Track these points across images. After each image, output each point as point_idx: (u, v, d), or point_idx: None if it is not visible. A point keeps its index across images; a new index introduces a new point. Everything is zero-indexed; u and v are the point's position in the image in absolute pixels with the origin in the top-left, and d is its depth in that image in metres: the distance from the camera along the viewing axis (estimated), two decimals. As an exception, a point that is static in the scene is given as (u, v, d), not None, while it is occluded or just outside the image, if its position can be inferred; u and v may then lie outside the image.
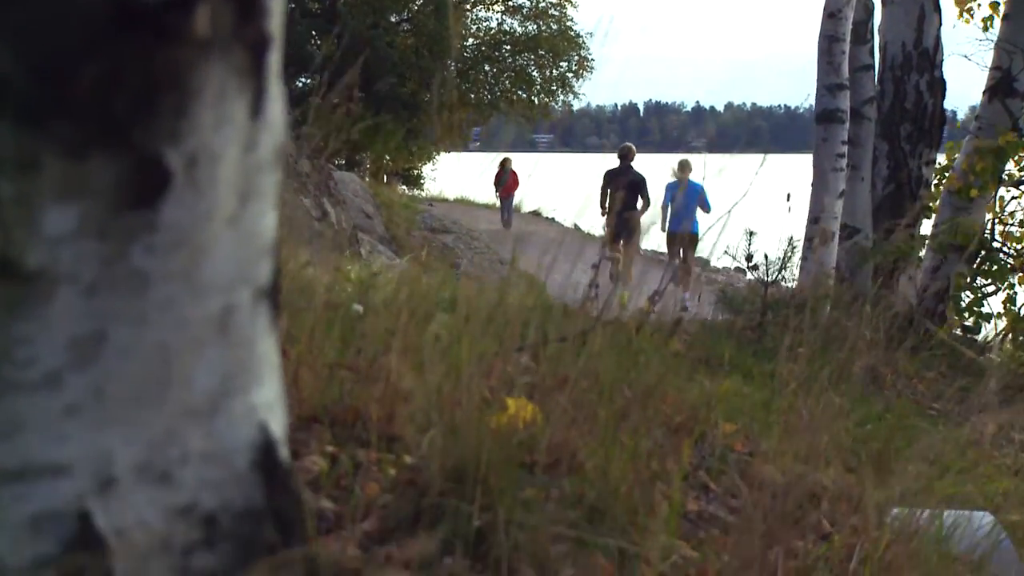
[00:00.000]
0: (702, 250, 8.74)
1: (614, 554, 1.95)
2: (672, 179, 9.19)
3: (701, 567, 1.95)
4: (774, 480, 2.22)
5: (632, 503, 2.07)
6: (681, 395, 2.63)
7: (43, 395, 0.85)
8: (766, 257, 4.80)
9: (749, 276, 5.14)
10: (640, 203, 9.47)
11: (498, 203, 19.60)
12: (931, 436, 2.91)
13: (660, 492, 2.20)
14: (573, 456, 2.16)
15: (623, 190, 6.92)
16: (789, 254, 4.87)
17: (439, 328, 2.19)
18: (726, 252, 4.45)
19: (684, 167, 8.70)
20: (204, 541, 0.91)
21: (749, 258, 4.76)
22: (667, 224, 8.93)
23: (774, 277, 4.70)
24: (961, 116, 7.58)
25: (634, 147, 9.94)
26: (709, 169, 2.81)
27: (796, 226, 5.92)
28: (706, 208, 8.88)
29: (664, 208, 9.11)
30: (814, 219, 5.90)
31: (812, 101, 5.78)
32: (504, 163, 18.39)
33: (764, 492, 2.15)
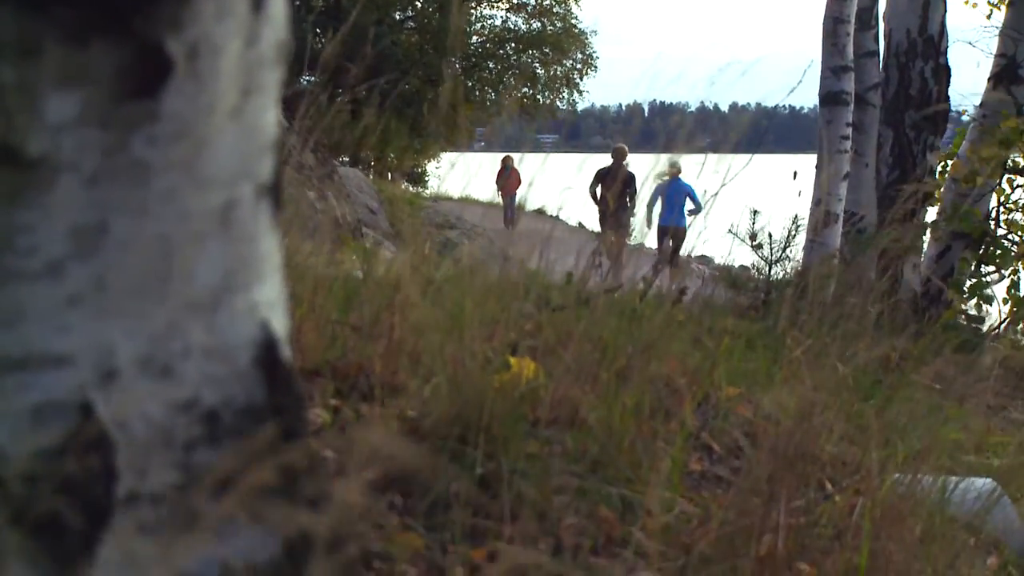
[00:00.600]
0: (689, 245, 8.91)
1: (617, 505, 1.95)
2: (662, 178, 9.49)
3: (703, 520, 1.95)
4: (777, 441, 2.22)
5: (635, 457, 2.07)
6: (684, 359, 2.63)
7: (45, 284, 0.86)
8: (770, 236, 4.80)
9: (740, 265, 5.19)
10: (632, 200, 9.66)
11: (500, 201, 19.58)
12: (932, 405, 2.91)
13: (662, 450, 2.20)
14: (576, 412, 2.16)
15: (616, 185, 7.09)
16: (793, 233, 4.87)
17: (442, 279, 2.19)
18: (729, 231, 4.46)
19: (673, 168, 8.96)
20: (206, 437, 0.92)
21: (753, 237, 4.76)
22: (658, 219, 9.38)
23: (778, 256, 4.70)
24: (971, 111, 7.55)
25: (626, 147, 10.35)
26: (711, 168, 2.84)
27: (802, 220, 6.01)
28: (696, 205, 9.15)
29: (650, 205, 9.55)
30: (818, 201, 5.90)
31: (788, 100, 5.82)
32: (505, 161, 18.35)
33: (766, 452, 2.15)
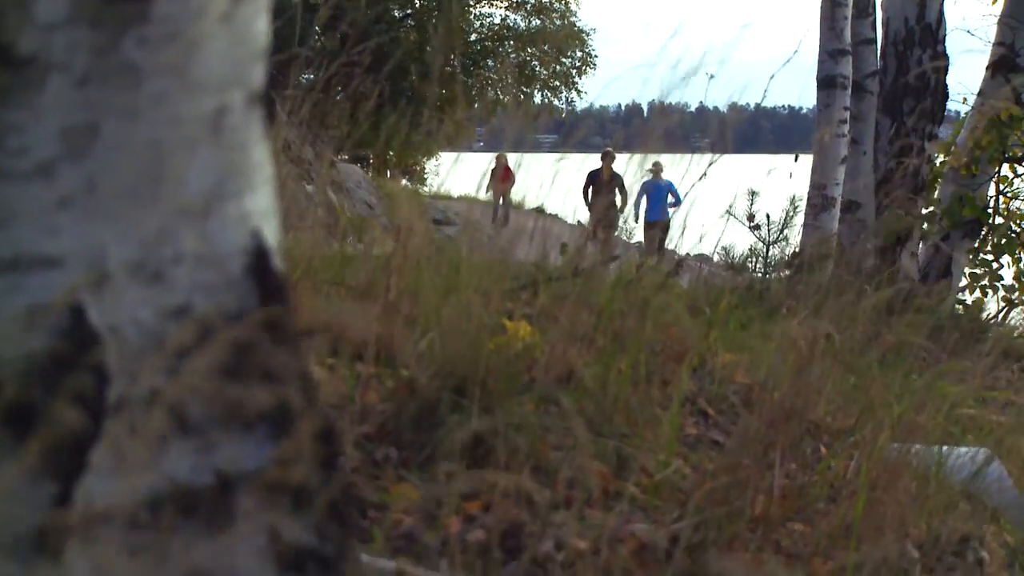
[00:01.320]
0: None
1: (612, 461, 1.95)
2: (647, 178, 10.38)
3: (698, 477, 1.95)
4: (770, 402, 2.22)
5: (631, 416, 2.08)
6: (681, 327, 2.63)
7: (36, 185, 0.86)
8: (768, 217, 4.81)
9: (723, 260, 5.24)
10: (619, 198, 10.23)
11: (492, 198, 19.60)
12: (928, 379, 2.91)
13: (659, 412, 2.20)
14: (571, 373, 2.16)
15: (606, 187, 7.46)
16: (791, 215, 4.87)
17: (439, 242, 2.19)
18: (728, 212, 4.46)
19: (657, 167, 9.80)
20: (197, 344, 0.92)
21: (751, 218, 4.76)
22: (644, 215, 10.35)
23: (775, 237, 4.71)
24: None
25: (614, 151, 11.34)
26: (714, 167, 2.89)
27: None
28: (677, 200, 9.80)
29: (636, 203, 10.48)
30: (815, 185, 5.90)
31: (788, 101, 5.84)
32: (498, 159, 18.37)
33: (759, 413, 2.15)
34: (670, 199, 10.62)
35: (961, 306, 7.18)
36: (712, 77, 2.87)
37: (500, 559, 1.59)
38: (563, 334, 2.17)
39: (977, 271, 6.87)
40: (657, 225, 9.29)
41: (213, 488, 0.93)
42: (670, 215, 9.73)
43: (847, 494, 2.15)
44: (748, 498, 1.86)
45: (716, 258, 5.13)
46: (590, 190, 10.64)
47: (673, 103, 2.88)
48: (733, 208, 4.66)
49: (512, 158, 3.10)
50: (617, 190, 6.62)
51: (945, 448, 2.52)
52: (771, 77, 3.22)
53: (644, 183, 10.54)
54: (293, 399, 0.94)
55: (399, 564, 1.50)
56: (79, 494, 0.89)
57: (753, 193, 4.83)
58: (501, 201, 19.65)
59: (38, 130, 0.85)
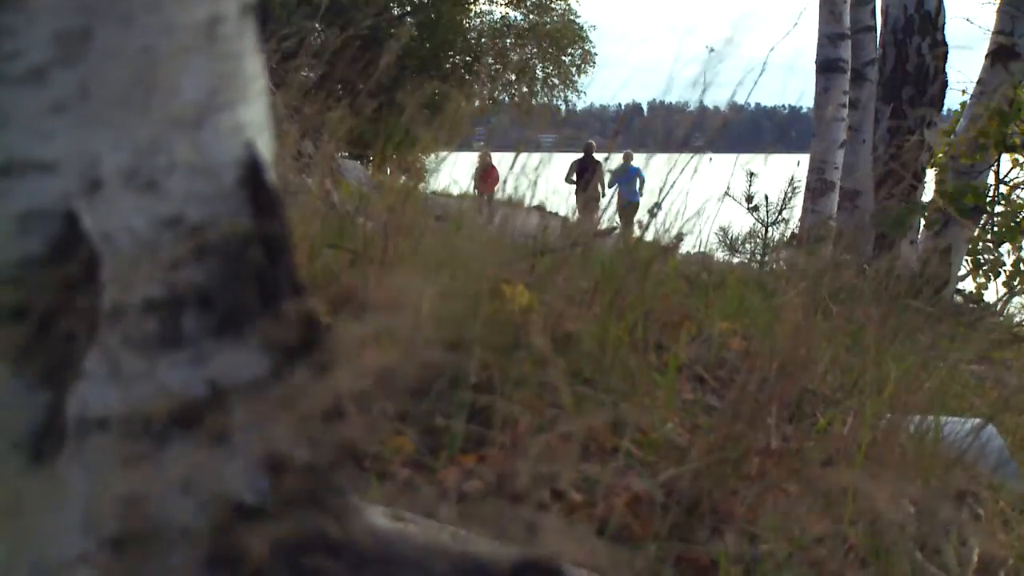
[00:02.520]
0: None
1: (608, 420, 1.95)
2: (618, 166, 11.43)
3: (694, 436, 1.95)
4: (767, 366, 2.22)
5: (628, 376, 2.08)
6: (678, 298, 2.64)
7: (29, 90, 0.86)
8: (766, 199, 4.81)
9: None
10: (601, 185, 11.54)
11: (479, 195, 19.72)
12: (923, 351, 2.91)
13: (656, 376, 2.20)
14: (569, 337, 2.16)
15: (588, 174, 8.32)
16: (790, 196, 4.87)
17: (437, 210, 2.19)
18: (726, 193, 4.46)
19: (627, 157, 10.64)
20: (191, 254, 0.92)
21: (749, 199, 4.76)
22: (619, 198, 11.50)
23: (774, 219, 4.72)
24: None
25: (594, 143, 12.78)
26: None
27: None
28: (642, 181, 10.42)
29: (610, 186, 11.58)
30: (814, 169, 5.90)
31: (788, 101, 5.87)
32: (483, 158, 18.47)
33: (756, 377, 2.15)
34: (638, 183, 11.56)
35: (960, 296, 7.19)
36: (712, 50, 2.87)
37: (497, 508, 1.59)
38: (561, 297, 2.17)
39: (981, 258, 6.87)
40: (629, 205, 9.86)
41: (207, 399, 0.93)
42: (638, 197, 10.36)
43: (844, 457, 2.15)
44: (744, 455, 1.86)
45: (715, 238, 5.16)
46: (574, 175, 12.21)
47: (673, 103, 2.91)
48: (731, 190, 4.67)
49: (505, 157, 3.13)
50: (597, 175, 7.34)
51: (943, 420, 2.53)
52: (771, 49, 3.20)
53: (615, 170, 11.59)
54: (286, 311, 0.95)
55: (395, 511, 1.50)
56: (72, 403, 0.89)
57: (751, 175, 4.84)
58: (487, 199, 19.84)
59: (31, 33, 0.85)
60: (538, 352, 2.05)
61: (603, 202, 5.86)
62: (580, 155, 13.47)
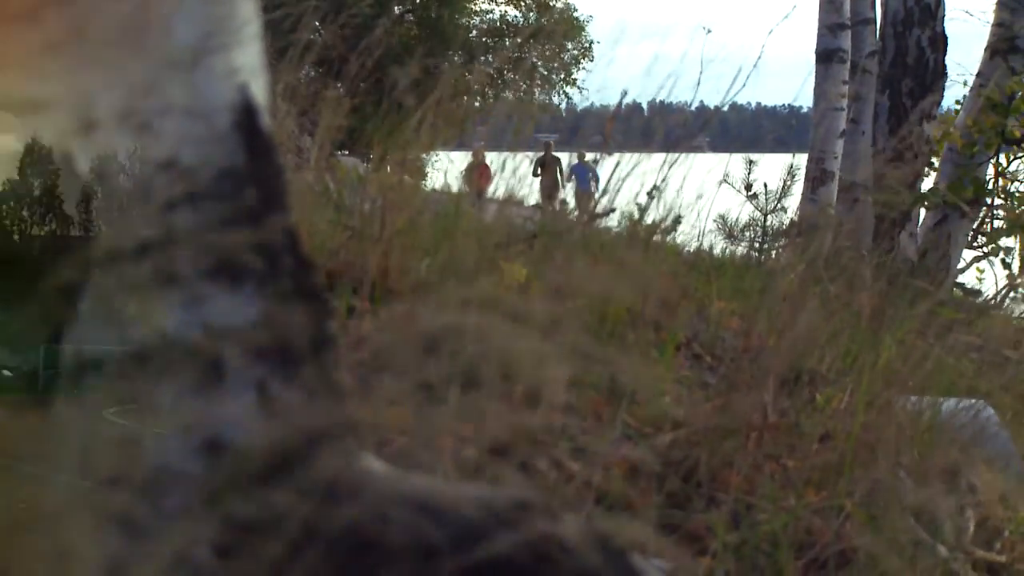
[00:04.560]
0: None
1: (603, 392, 1.96)
2: (575, 161, 11.81)
3: (691, 407, 1.96)
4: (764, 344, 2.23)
5: (626, 351, 2.08)
6: (677, 276, 2.64)
7: (22, 28, 0.86)
8: (765, 186, 4.82)
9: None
10: (560, 177, 11.95)
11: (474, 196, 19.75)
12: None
13: (653, 352, 2.21)
14: (567, 312, 2.16)
15: (550, 168, 8.90)
16: (789, 183, 4.88)
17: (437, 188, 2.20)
18: (724, 180, 4.47)
19: (581, 156, 11.44)
20: (185, 197, 0.92)
21: (748, 187, 4.77)
22: (576, 187, 12.00)
23: (773, 207, 4.73)
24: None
25: (552, 142, 13.50)
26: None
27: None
28: (596, 178, 10.65)
29: (568, 178, 11.93)
30: (814, 158, 5.91)
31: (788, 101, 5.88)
32: (476, 155, 18.51)
33: (753, 353, 2.15)
34: (590, 175, 12.12)
35: (960, 289, 7.19)
36: (709, 32, 2.88)
37: (493, 475, 1.59)
38: (558, 273, 2.18)
39: (983, 251, 6.87)
40: (584, 194, 10.20)
41: (202, 342, 0.93)
42: (593, 188, 10.71)
43: (840, 433, 2.15)
44: (740, 427, 1.87)
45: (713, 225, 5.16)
46: (539, 169, 13.07)
47: (673, 102, 2.94)
48: (729, 177, 4.68)
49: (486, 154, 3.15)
50: (557, 169, 7.74)
51: (941, 401, 2.53)
52: (769, 32, 3.21)
53: (573, 166, 11.97)
54: (281, 255, 0.95)
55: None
56: (69, 342, 0.90)
57: (751, 162, 4.85)
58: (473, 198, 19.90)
59: (26, -27, 0.86)
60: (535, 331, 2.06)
61: (562, 193, 6.42)
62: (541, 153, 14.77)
